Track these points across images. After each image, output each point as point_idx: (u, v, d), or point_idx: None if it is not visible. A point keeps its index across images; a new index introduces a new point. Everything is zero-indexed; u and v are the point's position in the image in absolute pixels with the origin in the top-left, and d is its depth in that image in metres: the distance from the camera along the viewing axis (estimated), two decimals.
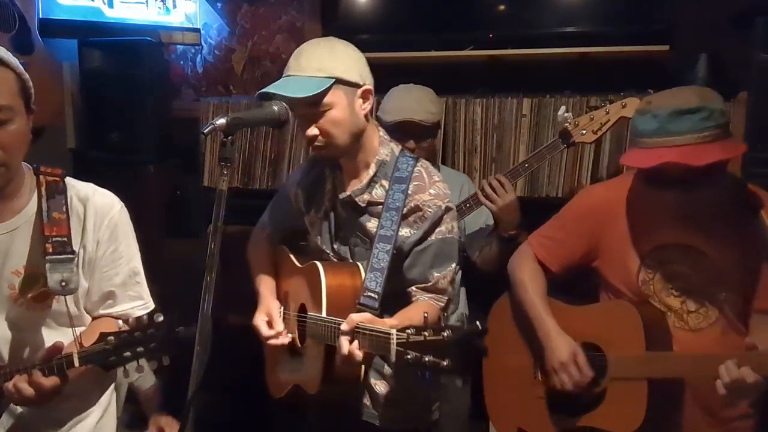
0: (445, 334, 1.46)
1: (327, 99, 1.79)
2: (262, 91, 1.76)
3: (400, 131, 2.52)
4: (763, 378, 1.71)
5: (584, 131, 2.39)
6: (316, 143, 1.86)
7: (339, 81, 1.79)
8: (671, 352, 1.94)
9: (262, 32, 3.68)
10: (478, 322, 1.48)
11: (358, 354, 1.67)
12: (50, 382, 1.53)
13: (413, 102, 2.58)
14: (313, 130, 1.83)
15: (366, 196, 1.91)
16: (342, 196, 1.94)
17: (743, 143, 1.88)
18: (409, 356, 1.49)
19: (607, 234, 2.05)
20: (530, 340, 2.12)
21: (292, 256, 2.08)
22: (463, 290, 2.70)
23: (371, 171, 1.91)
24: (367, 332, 1.65)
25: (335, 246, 1.99)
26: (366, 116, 1.88)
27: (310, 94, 1.77)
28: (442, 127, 2.97)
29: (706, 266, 1.92)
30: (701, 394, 1.93)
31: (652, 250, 1.98)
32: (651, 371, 1.89)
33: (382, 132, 1.97)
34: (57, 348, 1.56)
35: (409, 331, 1.51)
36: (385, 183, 1.90)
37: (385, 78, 2.80)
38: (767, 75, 2.46)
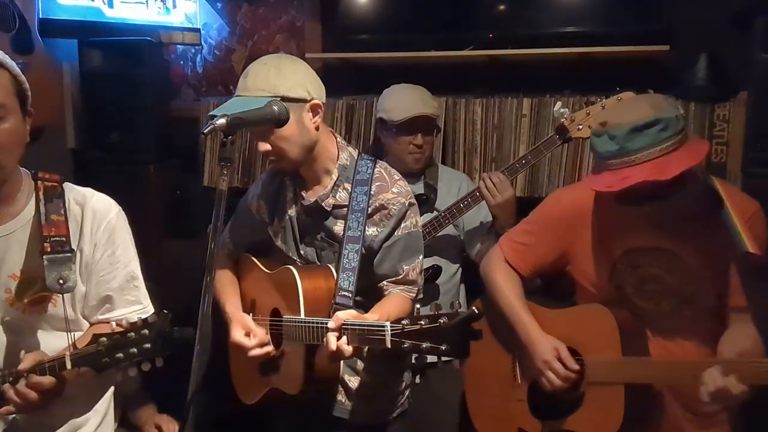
0: (442, 321, 1.53)
1: None
2: (210, 113, 1.79)
3: (410, 127, 2.57)
4: (748, 386, 1.69)
5: (580, 126, 2.39)
6: (270, 158, 1.93)
7: (284, 99, 1.82)
8: (647, 358, 1.93)
9: (262, 32, 3.68)
10: (474, 308, 1.56)
11: (348, 349, 1.72)
12: (48, 381, 1.53)
13: (416, 98, 2.63)
14: (264, 146, 1.90)
15: (331, 200, 1.98)
16: (306, 202, 2.00)
17: (705, 143, 1.86)
18: (405, 345, 1.56)
19: (578, 239, 2.04)
20: (509, 342, 2.12)
21: (258, 264, 2.13)
22: (462, 287, 2.72)
23: (334, 176, 1.98)
24: (358, 327, 1.70)
25: (302, 251, 2.05)
26: (317, 127, 1.93)
27: None
28: (443, 127, 2.98)
29: (678, 268, 1.91)
30: (680, 392, 1.94)
31: (623, 254, 1.98)
32: (627, 376, 1.90)
33: (339, 138, 2.03)
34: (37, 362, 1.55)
35: (404, 321, 1.58)
36: (348, 186, 1.98)
37: (385, 78, 2.83)
38: (767, 75, 2.46)
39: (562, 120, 2.43)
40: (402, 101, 2.61)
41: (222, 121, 1.50)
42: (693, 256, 1.89)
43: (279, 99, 1.80)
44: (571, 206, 2.06)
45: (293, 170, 2.01)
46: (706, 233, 1.87)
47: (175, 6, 3.60)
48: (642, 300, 1.98)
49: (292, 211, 2.06)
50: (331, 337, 1.72)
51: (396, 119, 2.57)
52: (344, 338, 1.72)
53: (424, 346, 1.53)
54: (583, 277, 2.07)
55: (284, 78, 1.86)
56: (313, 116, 1.92)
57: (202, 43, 3.72)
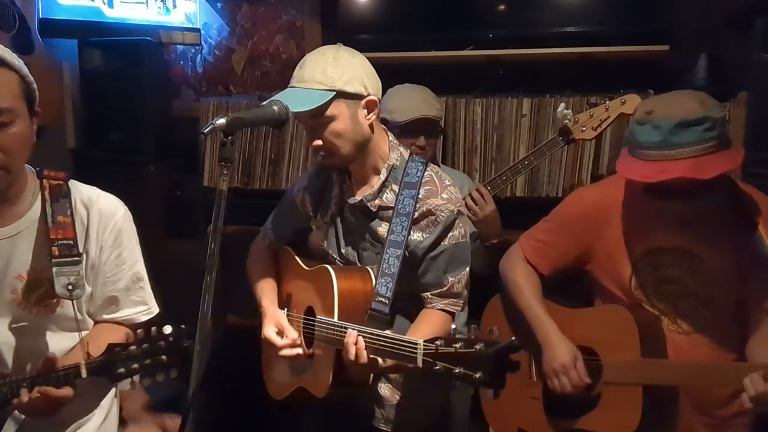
0: (478, 347, 1.46)
1: (329, 112, 1.79)
2: (263, 104, 1.74)
3: (412, 129, 2.55)
4: None
5: (584, 128, 2.39)
6: (320, 153, 1.87)
7: (340, 93, 1.79)
8: (666, 360, 1.93)
9: (262, 32, 3.68)
10: (513, 338, 1.49)
11: (363, 355, 1.70)
12: (61, 392, 1.52)
13: (420, 100, 2.61)
14: (316, 142, 1.84)
15: (377, 201, 1.91)
16: (352, 201, 1.93)
17: (742, 149, 1.84)
18: (437, 367, 1.49)
19: (600, 237, 2.03)
20: (525, 340, 2.10)
21: (297, 259, 2.07)
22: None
23: (382, 176, 1.91)
24: (391, 340, 1.66)
25: (342, 250, 1.99)
26: (371, 125, 1.87)
27: (310, 108, 1.76)
28: (443, 127, 2.98)
29: (699, 270, 1.90)
30: (696, 394, 1.93)
31: (644, 254, 1.97)
32: (645, 378, 1.89)
33: (391, 137, 1.96)
34: (51, 360, 1.53)
35: (438, 342, 1.51)
36: (395, 187, 1.90)
37: (385, 78, 2.81)
38: (767, 75, 2.46)
39: (566, 121, 2.43)
40: (405, 103, 2.59)
41: (222, 121, 1.50)
42: (715, 259, 1.88)
43: (335, 93, 1.77)
44: (593, 204, 2.06)
45: (343, 167, 1.94)
46: (730, 237, 1.86)
47: (175, 6, 3.60)
48: (660, 301, 1.97)
49: (336, 209, 1.99)
50: (349, 344, 1.72)
51: (399, 121, 2.55)
52: (361, 343, 1.70)
53: (457, 371, 1.46)
54: (604, 276, 2.06)
55: (342, 71, 1.79)
56: (368, 113, 1.85)
57: (202, 43, 3.72)
